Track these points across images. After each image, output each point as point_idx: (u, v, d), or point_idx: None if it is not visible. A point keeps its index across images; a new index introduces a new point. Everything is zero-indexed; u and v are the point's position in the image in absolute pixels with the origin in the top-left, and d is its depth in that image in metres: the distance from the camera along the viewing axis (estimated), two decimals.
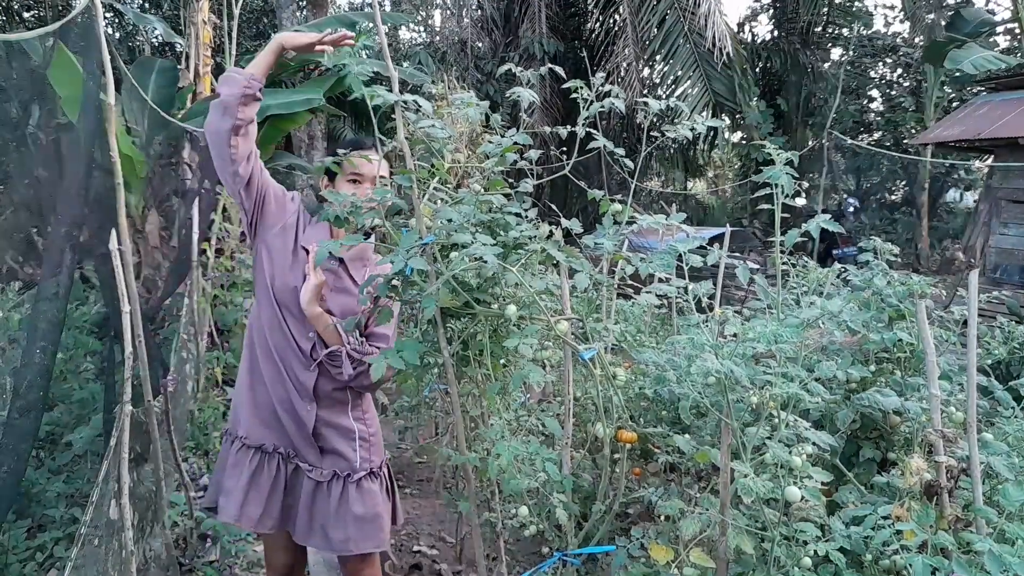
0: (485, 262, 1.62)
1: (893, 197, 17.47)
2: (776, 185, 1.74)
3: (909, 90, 15.56)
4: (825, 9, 14.38)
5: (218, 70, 7.46)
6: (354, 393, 2.15)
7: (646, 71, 12.90)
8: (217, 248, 5.72)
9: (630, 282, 2.42)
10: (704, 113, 11.18)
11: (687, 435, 2.14)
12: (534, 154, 1.94)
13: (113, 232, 2.35)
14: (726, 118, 11.85)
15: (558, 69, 2.03)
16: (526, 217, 1.90)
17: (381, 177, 2.08)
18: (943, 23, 12.21)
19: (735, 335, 1.74)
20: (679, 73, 11.61)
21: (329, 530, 2.06)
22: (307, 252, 2.06)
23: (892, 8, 17.60)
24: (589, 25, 14.24)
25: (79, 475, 3.31)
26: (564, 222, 1.88)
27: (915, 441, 1.94)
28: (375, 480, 2.15)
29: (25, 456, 2.04)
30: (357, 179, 2.09)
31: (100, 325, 4.53)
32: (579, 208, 12.86)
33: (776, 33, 14.93)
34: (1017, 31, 10.93)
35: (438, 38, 16.20)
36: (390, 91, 1.84)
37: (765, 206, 1.82)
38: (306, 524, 2.09)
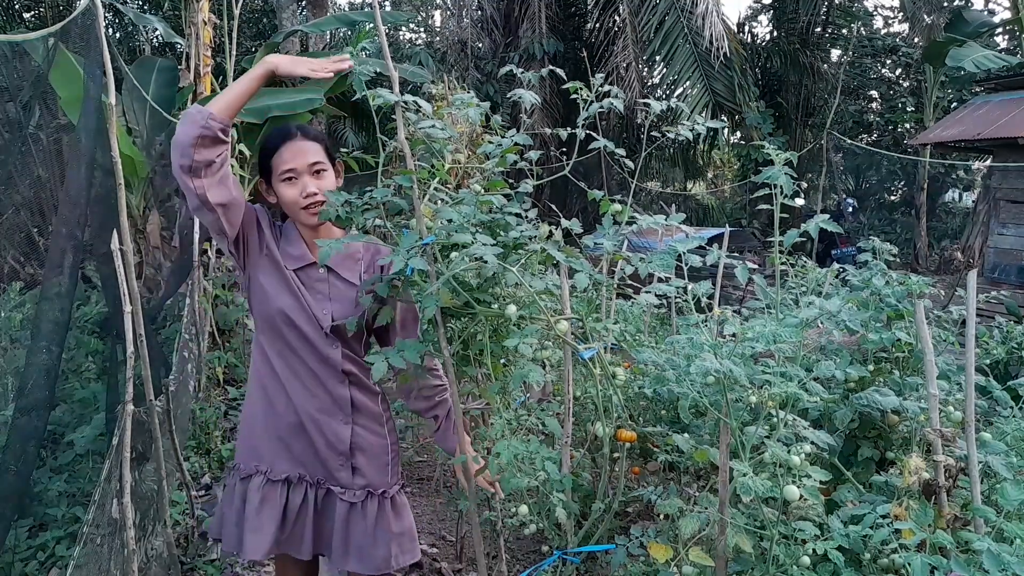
0: (485, 262, 1.62)
1: (892, 197, 17.50)
2: (775, 185, 1.75)
3: (909, 90, 15.58)
4: (824, 9, 14.39)
5: (218, 70, 7.46)
6: (384, 403, 2.07)
7: (646, 71, 12.91)
8: (218, 248, 5.74)
9: (630, 282, 2.43)
10: (704, 113, 11.18)
11: (686, 434, 2.15)
12: (534, 155, 1.95)
13: (114, 232, 2.36)
14: (726, 118, 11.85)
15: (559, 71, 2.04)
16: (526, 217, 1.91)
17: (319, 162, 1.91)
18: (942, 24, 12.22)
19: (734, 335, 1.75)
20: (679, 73, 11.61)
21: (368, 550, 1.97)
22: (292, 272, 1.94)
23: (892, 8, 17.63)
24: (589, 25, 14.24)
25: (81, 474, 3.31)
26: (564, 222, 1.89)
27: (913, 440, 1.95)
28: (403, 493, 2.11)
29: (32, 458, 2.04)
30: (291, 176, 1.90)
31: (101, 325, 4.54)
32: (579, 208, 12.87)
33: (776, 33, 14.93)
34: (1017, 31, 10.93)
35: (438, 39, 16.21)
36: (390, 91, 1.84)
37: (764, 206, 1.83)
38: (341, 547, 1.99)
